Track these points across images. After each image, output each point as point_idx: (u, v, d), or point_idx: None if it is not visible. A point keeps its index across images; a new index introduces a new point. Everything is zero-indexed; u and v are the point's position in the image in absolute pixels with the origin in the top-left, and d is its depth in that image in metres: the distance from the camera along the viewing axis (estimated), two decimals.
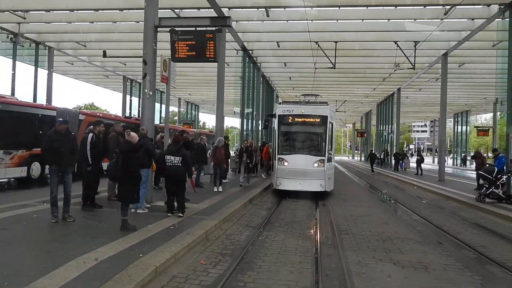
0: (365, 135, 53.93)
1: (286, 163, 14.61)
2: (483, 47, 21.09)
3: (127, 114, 32.84)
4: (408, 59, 20.78)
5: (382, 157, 40.66)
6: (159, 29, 10.31)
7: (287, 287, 5.22)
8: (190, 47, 10.02)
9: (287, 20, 18.62)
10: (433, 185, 19.89)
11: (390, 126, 39.49)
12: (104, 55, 20.98)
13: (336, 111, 28.26)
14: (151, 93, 10.26)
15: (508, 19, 15.32)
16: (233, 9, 17.52)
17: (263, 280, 5.44)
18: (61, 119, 8.10)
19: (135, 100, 36.50)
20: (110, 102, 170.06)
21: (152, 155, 8.60)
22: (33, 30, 21.64)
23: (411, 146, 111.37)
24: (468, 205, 13.62)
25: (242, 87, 23.72)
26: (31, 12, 19.16)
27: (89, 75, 35.27)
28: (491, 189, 13.68)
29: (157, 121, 31.57)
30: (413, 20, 18.04)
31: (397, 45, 20.30)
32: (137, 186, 7.32)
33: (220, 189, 13.49)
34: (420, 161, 28.08)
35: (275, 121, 15.50)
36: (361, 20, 18.53)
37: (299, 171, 14.35)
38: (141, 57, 10.46)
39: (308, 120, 15.38)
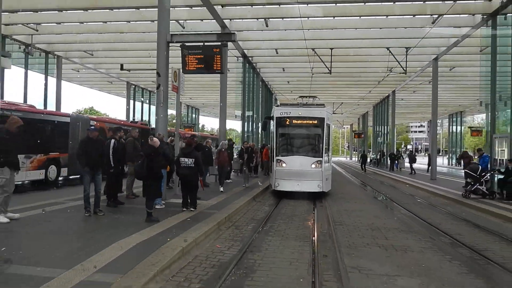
0: (362, 136, 55.09)
1: (284, 165, 14.85)
2: (472, 52, 22.25)
3: (131, 119, 34.06)
4: (400, 64, 21.98)
5: (378, 157, 41.92)
6: (170, 44, 11.48)
7: (290, 263, 6.39)
8: (199, 60, 11.19)
9: (285, 30, 19.74)
10: (425, 183, 21.05)
11: (386, 127, 40.72)
12: (121, 68, 22.30)
13: (333, 113, 29.41)
14: (163, 103, 11.39)
15: (491, 27, 16.60)
16: (234, 20, 18.74)
17: (269, 258, 6.61)
18: (92, 127, 9.27)
19: (138, 104, 37.74)
20: (108, 105, 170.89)
21: (168, 157, 9.75)
22: (43, 41, 22.80)
23: (409, 147, 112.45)
24: (454, 201, 14.76)
25: (242, 91, 24.91)
26: (43, 24, 20.33)
27: (94, 81, 36.42)
28: (475, 186, 14.87)
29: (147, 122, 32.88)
30: (404, 28, 19.23)
31: (390, 51, 21.48)
32: (160, 183, 8.52)
33: (222, 189, 14.35)
34: (411, 161, 29.30)
35: (273, 123, 15.70)
36: (355, 29, 19.68)
37: (297, 172, 14.55)
38: (154, 69, 11.63)
39: (305, 122, 15.59)
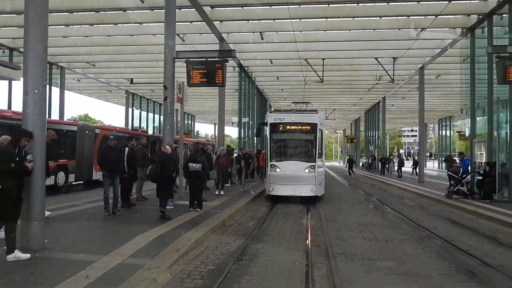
0: (354, 141, 56.46)
1: (278, 170, 15.08)
2: (456, 61, 23.50)
3: (128, 126, 35.19)
4: (388, 74, 23.28)
5: (370, 161, 43.24)
6: (176, 60, 12.64)
7: (287, 251, 7.55)
8: (203, 75, 12.35)
9: (279, 42, 20.93)
10: (413, 185, 22.30)
11: (377, 132, 42.06)
12: (131, 82, 23.62)
13: (326, 118, 30.56)
14: (169, 113, 12.53)
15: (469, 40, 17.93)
16: (232, 34, 19.94)
17: (270, 247, 7.78)
18: (112, 137, 10.39)
19: (136, 112, 38.84)
20: (102, 112, 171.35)
21: (177, 163, 10.89)
22: (48, 53, 23.81)
23: (401, 151, 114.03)
24: (437, 201, 15.97)
25: (239, 99, 26.11)
26: (50, 38, 21.38)
27: (93, 90, 37.48)
28: (457, 187, 16.10)
29: (148, 130, 34.02)
30: (390, 40, 20.50)
31: (378, 61, 22.77)
32: (172, 186, 9.64)
33: (222, 192, 15.46)
34: (400, 164, 30.66)
35: (267, 129, 15.92)
36: (345, 41, 20.90)
37: (290, 177, 14.82)
38: (159, 82, 12.77)
39: (298, 127, 15.84)
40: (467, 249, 7.87)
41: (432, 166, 54.53)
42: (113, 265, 5.79)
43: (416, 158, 41.26)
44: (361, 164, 51.24)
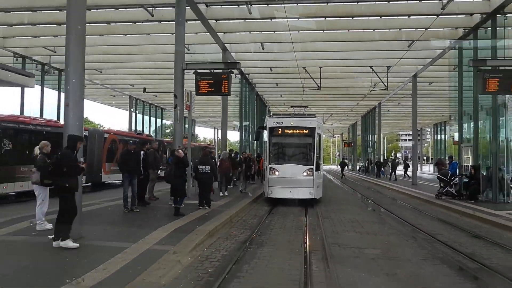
0: (351, 145, 57.61)
1: (277, 173, 15.38)
2: (447, 69, 24.77)
3: (133, 129, 36.35)
4: (382, 81, 24.45)
5: (366, 165, 44.41)
6: (185, 71, 13.78)
7: (288, 242, 8.70)
8: (210, 85, 13.49)
9: (279, 52, 22.08)
10: (406, 188, 23.44)
11: (373, 136, 43.25)
12: (144, 91, 24.90)
13: (324, 123, 31.65)
14: (179, 120, 13.66)
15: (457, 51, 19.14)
16: (234, 44, 21.11)
17: (273, 239, 8.93)
18: (131, 142, 11.52)
19: (139, 116, 39.99)
20: (102, 115, 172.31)
21: (187, 165, 12.00)
22: (58, 60, 24.98)
23: (398, 155, 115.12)
24: (427, 202, 17.10)
25: (240, 105, 27.27)
26: (61, 47, 22.56)
27: (98, 95, 38.57)
28: (446, 189, 17.26)
29: (149, 133, 35.13)
30: (384, 50, 21.67)
31: (372, 69, 23.95)
32: (184, 186, 10.76)
33: (226, 193, 16.59)
34: (393, 168, 31.94)
35: (266, 133, 16.17)
36: (341, 51, 22.08)
37: (289, 180, 15.11)
38: (169, 90, 13.90)
39: (297, 131, 16.08)
40: (445, 241, 9.00)
41: (428, 170, 55.71)
42: (143, 251, 6.91)
43: (407, 161, 42.68)
44: (358, 168, 52.42)
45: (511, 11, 15.41)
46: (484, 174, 16.29)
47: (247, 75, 27.25)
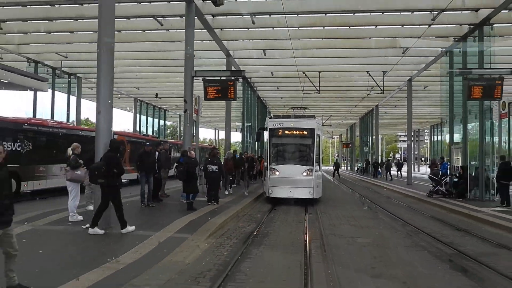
0: (350, 146, 58.76)
1: (277, 173, 15.73)
2: (441, 73, 25.91)
3: (136, 130, 37.51)
4: (378, 85, 25.60)
5: (364, 165, 45.58)
6: (194, 78, 14.91)
7: (290, 233, 9.85)
8: (217, 91, 14.63)
9: (280, 57, 23.23)
10: (401, 187, 24.59)
11: (371, 137, 44.40)
12: (156, 96, 26.12)
13: (323, 124, 32.76)
14: (189, 123, 14.79)
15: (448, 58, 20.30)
16: (237, 51, 22.26)
17: (277, 230, 10.06)
18: (148, 143, 12.66)
19: (143, 118, 41.13)
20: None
21: (197, 164, 13.13)
22: (68, 65, 26.14)
23: (397, 156, 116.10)
24: (420, 200, 18.23)
25: (242, 108, 28.41)
26: (73, 52, 23.73)
27: None
28: (437, 188, 18.40)
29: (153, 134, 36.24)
30: (380, 56, 22.83)
31: (369, 74, 25.10)
32: (196, 183, 11.90)
33: (231, 191, 17.67)
34: (387, 168, 33.27)
35: (267, 134, 16.54)
36: (339, 57, 23.23)
37: (289, 180, 15.45)
38: (181, 94, 15.01)
39: (297, 132, 16.46)
40: (429, 233, 10.14)
41: (425, 170, 56.77)
42: (166, 238, 8.05)
43: (400, 161, 44.04)
44: (356, 168, 53.57)
45: (497, 22, 16.58)
46: (473, 174, 17.44)
47: (249, 79, 28.39)
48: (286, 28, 17.55)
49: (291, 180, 15.50)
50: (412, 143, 73.78)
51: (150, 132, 42.16)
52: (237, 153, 22.12)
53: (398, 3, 16.01)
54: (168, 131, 65.22)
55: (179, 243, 7.68)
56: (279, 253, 7.77)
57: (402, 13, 17.31)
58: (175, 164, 15.08)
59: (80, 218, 9.47)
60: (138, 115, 39.90)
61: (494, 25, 16.75)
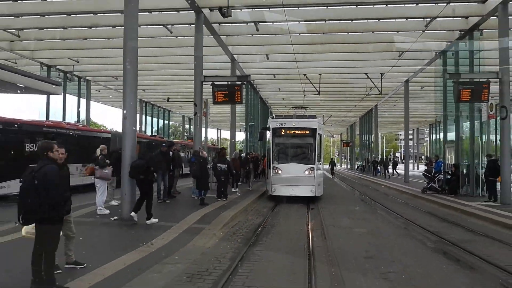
0: (350, 145, 59.85)
1: (280, 171, 16.08)
2: (437, 75, 27.02)
3: (143, 131, 38.63)
4: (376, 87, 26.73)
5: (364, 164, 46.71)
6: (203, 83, 16.03)
7: (294, 224, 11.01)
8: (225, 95, 15.73)
9: (282, 61, 24.35)
10: (398, 185, 25.70)
11: (370, 136, 45.51)
12: (167, 100, 27.24)
13: (323, 123, 33.79)
14: (198, 125, 15.91)
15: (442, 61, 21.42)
16: (241, 55, 23.39)
17: (282, 222, 11.23)
18: (164, 144, 13.80)
19: (148, 118, 42.31)
20: (104, 117, 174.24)
21: (208, 163, 14.27)
22: (78, 69, 27.28)
23: (397, 154, 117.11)
24: (414, 196, 19.34)
25: (246, 109, 29.56)
26: (85, 58, 24.89)
27: (109, 99, 40.85)
28: (430, 184, 19.51)
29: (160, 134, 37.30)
30: (377, 60, 23.96)
31: (367, 76, 26.21)
32: (208, 181, 13.05)
33: (237, 189, 18.79)
34: (385, 166, 34.53)
35: (269, 134, 16.87)
36: (338, 61, 24.36)
37: (291, 178, 15.84)
38: (191, 99, 16.10)
39: (299, 132, 16.79)
40: (419, 224, 11.26)
41: (424, 168, 57.87)
42: (186, 228, 9.19)
43: (395, 159, 45.17)
44: (356, 167, 54.68)
45: (486, 27, 17.66)
46: (465, 171, 18.55)
47: (252, 81, 29.52)
48: (288, 35, 18.70)
49: (293, 179, 15.88)
50: (413, 141, 75.25)
51: (153, 132, 43.44)
52: (242, 152, 23.18)
53: (393, 12, 17.13)
54: (170, 131, 66.32)
55: (198, 232, 8.82)
56: (285, 240, 8.92)
57: (397, 20, 18.44)
58: (188, 163, 16.20)
59: (107, 211, 10.62)
60: (143, 116, 41.04)
61: (484, 30, 17.86)
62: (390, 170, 38.27)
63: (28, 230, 5.18)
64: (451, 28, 18.85)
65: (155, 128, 45.15)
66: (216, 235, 8.89)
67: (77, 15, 18.09)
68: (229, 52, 21.75)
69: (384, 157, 66.24)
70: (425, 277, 6.37)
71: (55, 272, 5.35)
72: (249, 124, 31.39)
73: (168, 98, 29.83)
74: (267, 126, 17.57)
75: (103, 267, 6.12)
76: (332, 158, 54.48)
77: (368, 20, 18.56)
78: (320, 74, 26.17)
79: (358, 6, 16.69)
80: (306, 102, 35.86)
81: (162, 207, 12.47)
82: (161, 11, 17.60)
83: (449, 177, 19.33)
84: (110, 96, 38.26)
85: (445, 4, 15.58)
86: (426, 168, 22.39)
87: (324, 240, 8.96)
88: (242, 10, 17.67)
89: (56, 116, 27.04)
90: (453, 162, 19.82)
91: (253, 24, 18.12)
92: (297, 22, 18.55)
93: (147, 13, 17.93)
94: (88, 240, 7.83)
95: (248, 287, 5.65)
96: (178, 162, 15.42)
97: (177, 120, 58.34)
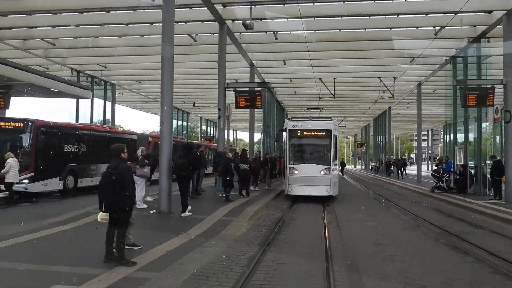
0: (364, 145, 60.69)
1: (296, 172, 16.41)
2: (448, 79, 27.94)
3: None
4: (389, 90, 27.78)
5: (378, 165, 47.62)
6: (226, 89, 17.33)
7: (312, 219, 12.23)
8: (246, 100, 16.99)
9: (298, 66, 25.56)
10: (410, 184, 26.70)
11: (384, 137, 46.38)
12: (194, 105, 28.84)
13: (338, 125, 34.80)
14: (222, 129, 17.23)
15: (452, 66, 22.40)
16: (260, 61, 24.67)
17: (300, 217, 12.49)
18: (199, 146, 15.16)
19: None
20: (122, 118, 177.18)
21: (232, 163, 15.54)
22: (106, 74, 28.84)
23: (412, 155, 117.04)
24: (423, 195, 20.40)
25: (263, 111, 30.78)
26: (110, 64, 26.43)
27: (131, 101, 42.51)
28: (438, 184, 20.53)
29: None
30: (390, 65, 25.02)
31: (380, 80, 27.26)
32: (232, 179, 14.36)
33: (256, 188, 20.03)
34: (398, 167, 35.51)
35: (286, 135, 17.32)
36: (352, 65, 25.48)
37: (307, 178, 16.16)
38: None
39: (314, 133, 17.21)
40: (426, 218, 12.40)
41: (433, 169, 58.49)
42: (216, 220, 10.48)
43: (404, 160, 46.17)
44: (370, 167, 55.55)
45: (493, 35, 18.62)
46: (473, 172, 19.54)
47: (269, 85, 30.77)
48: (305, 42, 19.90)
49: (310, 179, 16.21)
50: (427, 142, 75.38)
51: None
52: (260, 153, 24.45)
53: (404, 21, 18.27)
54: (186, 132, 67.86)
55: (227, 223, 10.10)
56: (304, 230, 10.19)
57: (408, 28, 19.50)
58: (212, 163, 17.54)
59: (145, 206, 11.97)
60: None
61: (491, 38, 18.83)
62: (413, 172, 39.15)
63: (102, 216, 6.51)
64: (460, 36, 19.81)
65: (177, 129, 46.82)
66: (244, 226, 10.16)
67: (110, 26, 19.50)
68: (248, 58, 23.02)
69: (398, 158, 66.87)
70: (424, 258, 7.57)
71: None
72: (267, 124, 32.64)
73: (194, 103, 31.30)
74: (284, 127, 18.13)
75: (155, 248, 7.42)
76: (342, 159, 55.54)
77: (381, 29, 19.66)
78: (334, 78, 27.29)
79: (371, 17, 17.82)
80: (321, 104, 36.83)
81: (191, 203, 13.66)
82: (187, 22, 18.96)
83: (458, 177, 20.31)
84: (137, 100, 40.13)
85: (453, 14, 16.63)
86: (435, 168, 23.37)
87: (338, 230, 10.17)
88: (262, 21, 18.97)
89: (83, 118, 28.69)
90: (462, 163, 20.79)
91: (271, 33, 19.37)
92: (313, 31, 19.73)
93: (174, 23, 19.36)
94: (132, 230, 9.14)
95: (276, 263, 6.90)
96: (203, 162, 16.73)
97: (193, 121, 59.82)
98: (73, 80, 26.26)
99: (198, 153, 15.67)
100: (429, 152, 76.87)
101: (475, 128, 19.94)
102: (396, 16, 17.72)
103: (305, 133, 17.25)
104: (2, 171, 13.34)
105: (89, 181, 19.11)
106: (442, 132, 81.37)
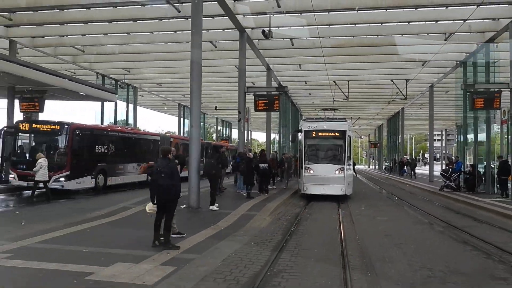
0: (378, 145, 61.30)
1: (311, 171, 16.92)
2: (458, 81, 28.70)
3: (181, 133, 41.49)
4: (401, 92, 28.63)
5: (391, 165, 48.33)
6: (246, 93, 18.44)
7: (327, 214, 13.29)
8: (265, 103, 18.07)
9: (313, 70, 26.58)
10: (422, 184, 27.54)
11: (398, 137, 47.06)
12: (215, 108, 30.19)
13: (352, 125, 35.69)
14: (242, 130, 18.34)
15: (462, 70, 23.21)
16: (276, 65, 25.75)
17: (317, 212, 13.56)
18: (222, 148, 16.30)
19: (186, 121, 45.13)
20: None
21: (253, 163, 16.66)
22: (128, 77, 30.19)
23: (426, 155, 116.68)
24: (433, 193, 21.30)
25: (279, 112, 31.80)
26: (134, 68, 27.75)
27: (151, 103, 43.95)
28: (447, 183, 21.38)
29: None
30: (402, 68, 25.91)
31: (393, 82, 28.12)
32: (253, 178, 15.48)
33: (274, 186, 21.11)
34: (412, 167, 36.29)
35: (301, 136, 17.76)
36: (365, 69, 26.44)
37: (322, 178, 16.63)
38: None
39: (329, 134, 17.66)
40: (434, 214, 13.37)
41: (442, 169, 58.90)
42: (241, 214, 11.60)
43: (414, 160, 46.74)
44: (384, 167, 56.21)
45: (501, 41, 19.43)
46: (482, 171, 20.38)
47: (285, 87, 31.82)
48: (320, 48, 20.91)
49: (325, 178, 16.67)
50: (441, 142, 75.51)
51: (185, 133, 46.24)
52: (277, 153, 25.55)
53: (415, 28, 19.18)
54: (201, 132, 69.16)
55: (251, 217, 11.21)
56: (321, 223, 11.27)
57: (419, 34, 20.38)
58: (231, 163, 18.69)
59: None
60: (182, 119, 43.89)
61: (499, 43, 19.64)
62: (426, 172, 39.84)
63: (150, 207, 7.68)
64: (469, 41, 20.65)
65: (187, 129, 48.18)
66: (266, 219, 11.27)
67: (136, 34, 20.76)
68: (265, 62, 24.12)
69: (412, 157, 67.29)
70: (428, 247, 8.59)
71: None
72: (282, 125, 33.71)
73: (216, 107, 32.58)
74: (299, 128, 18.58)
75: (194, 236, 8.56)
76: (352, 159, 56.26)
77: (393, 35, 20.58)
78: (348, 81, 28.21)
79: (383, 24, 18.79)
80: (335, 105, 37.90)
81: (217, 199, 14.90)
82: (208, 30, 20.12)
83: (467, 176, 21.15)
84: (156, 102, 41.55)
85: (462, 21, 17.51)
86: (445, 168, 24.21)
87: (352, 224, 11.23)
88: (280, 28, 20.06)
89: (107, 120, 30.10)
90: (471, 163, 21.62)
91: (288, 39, 20.45)
92: (328, 38, 20.74)
93: None
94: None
95: (298, 249, 8.00)
96: (224, 162, 17.86)
97: (208, 122, 61.09)
98: (99, 83, 27.62)
99: (220, 153, 16.85)
100: (444, 152, 76.95)
101: (484, 129, 20.79)
102: (407, 23, 18.66)
103: (320, 134, 17.71)
104: (33, 170, 14.55)
105: (117, 180, 20.40)
106: (456, 132, 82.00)
